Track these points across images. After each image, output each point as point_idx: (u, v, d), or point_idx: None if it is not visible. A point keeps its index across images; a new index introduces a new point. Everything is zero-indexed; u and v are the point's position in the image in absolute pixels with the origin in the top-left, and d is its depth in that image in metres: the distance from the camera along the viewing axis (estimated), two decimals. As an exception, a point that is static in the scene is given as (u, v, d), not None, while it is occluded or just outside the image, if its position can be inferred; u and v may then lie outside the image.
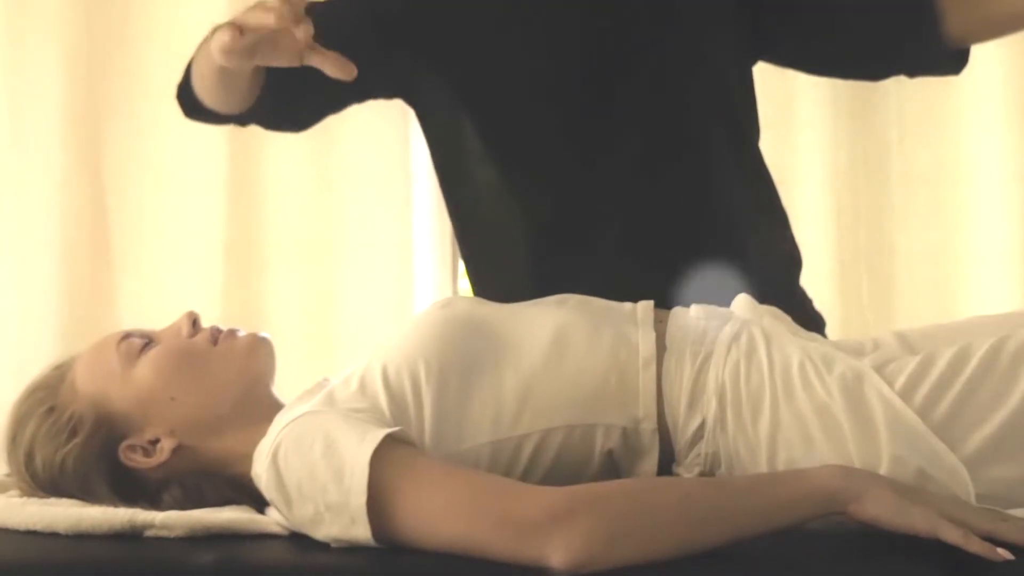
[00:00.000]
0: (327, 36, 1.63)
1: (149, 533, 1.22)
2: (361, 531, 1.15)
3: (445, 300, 1.46)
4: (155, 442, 1.34)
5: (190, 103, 1.62)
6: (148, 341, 1.39)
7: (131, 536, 1.22)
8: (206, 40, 1.44)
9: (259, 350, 1.42)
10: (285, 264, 2.49)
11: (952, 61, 1.66)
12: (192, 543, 1.20)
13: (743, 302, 1.41)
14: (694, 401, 1.29)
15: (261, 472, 1.23)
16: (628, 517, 1.11)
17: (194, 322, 1.41)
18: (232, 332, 1.41)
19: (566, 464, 1.30)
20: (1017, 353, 1.24)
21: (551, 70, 1.64)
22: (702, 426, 1.29)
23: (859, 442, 1.23)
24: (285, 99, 1.58)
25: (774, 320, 1.38)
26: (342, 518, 1.16)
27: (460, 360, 1.31)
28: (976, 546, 1.08)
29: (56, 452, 1.33)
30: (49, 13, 2.45)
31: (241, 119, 1.64)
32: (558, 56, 1.64)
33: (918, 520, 1.10)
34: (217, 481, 1.33)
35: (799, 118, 2.42)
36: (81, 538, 1.22)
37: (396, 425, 1.23)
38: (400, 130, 2.46)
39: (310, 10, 1.60)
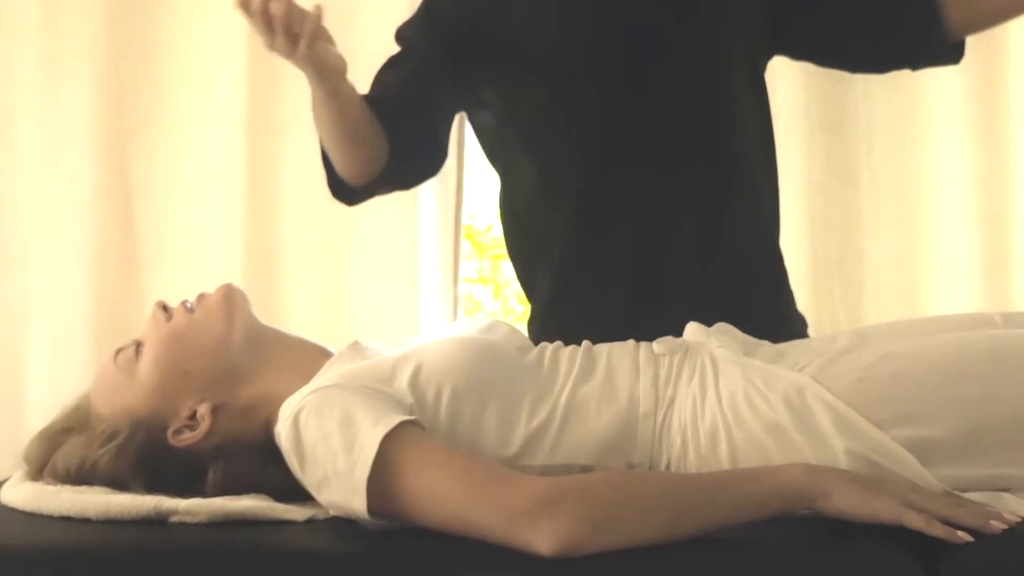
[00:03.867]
0: (406, 57, 1.67)
1: (174, 519, 1.22)
2: (358, 502, 1.15)
3: (489, 324, 1.45)
4: (193, 416, 1.33)
5: (345, 193, 1.64)
6: (138, 344, 1.38)
7: (157, 522, 1.22)
8: (314, 108, 1.50)
9: (232, 296, 1.41)
10: (300, 269, 2.48)
11: (952, 52, 1.66)
12: (213, 528, 1.20)
13: (694, 329, 1.41)
14: (661, 442, 1.29)
15: (282, 430, 1.24)
16: (611, 507, 1.11)
17: (164, 308, 1.40)
18: (201, 295, 1.41)
19: None
20: (962, 358, 1.23)
21: (585, 60, 1.64)
22: (668, 465, 1.28)
23: (812, 448, 1.22)
24: (416, 141, 1.62)
25: (723, 337, 1.38)
26: (345, 487, 1.16)
27: (482, 387, 1.30)
28: (938, 530, 1.09)
29: (97, 459, 1.31)
30: (80, 35, 2.44)
31: (390, 178, 1.63)
32: (593, 47, 1.64)
33: (882, 510, 1.11)
34: (258, 442, 1.31)
35: (776, 135, 2.42)
36: (111, 524, 1.22)
37: (411, 415, 1.22)
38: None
39: (399, 36, 1.69)
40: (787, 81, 2.42)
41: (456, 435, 1.28)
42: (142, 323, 1.43)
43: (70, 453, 1.33)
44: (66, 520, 1.23)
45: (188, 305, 1.40)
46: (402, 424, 1.18)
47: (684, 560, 1.11)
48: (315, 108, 1.52)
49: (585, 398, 1.31)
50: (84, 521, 1.23)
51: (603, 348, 1.39)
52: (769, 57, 1.77)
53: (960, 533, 1.08)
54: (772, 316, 1.66)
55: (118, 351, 1.39)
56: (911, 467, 1.20)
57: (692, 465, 1.27)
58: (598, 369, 1.35)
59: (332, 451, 1.18)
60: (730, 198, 1.66)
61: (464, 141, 2.47)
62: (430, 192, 2.48)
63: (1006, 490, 1.21)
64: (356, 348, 1.39)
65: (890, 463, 1.20)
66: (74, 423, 1.38)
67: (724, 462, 1.26)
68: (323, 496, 1.20)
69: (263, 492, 1.28)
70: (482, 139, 1.78)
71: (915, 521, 1.10)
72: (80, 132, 2.45)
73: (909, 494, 1.13)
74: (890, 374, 1.25)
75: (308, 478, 1.21)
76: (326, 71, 1.43)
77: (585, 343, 1.40)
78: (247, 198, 2.46)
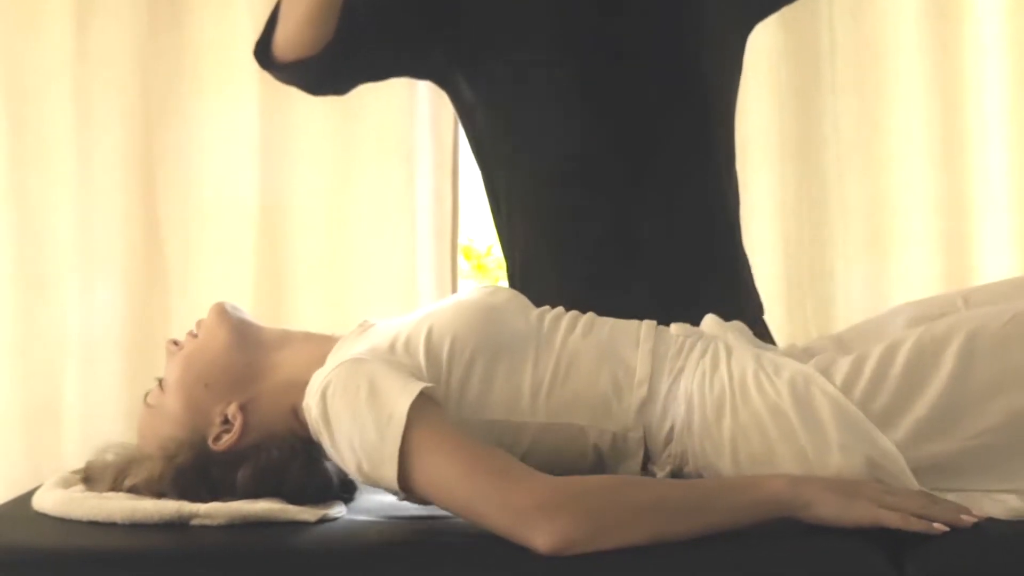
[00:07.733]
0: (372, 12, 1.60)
1: (194, 522, 1.21)
2: (388, 472, 1.16)
3: (492, 288, 1.44)
4: (226, 420, 1.32)
5: (265, 58, 1.59)
6: (160, 381, 1.38)
7: (179, 525, 1.21)
8: None
9: (222, 308, 1.40)
10: (306, 285, 2.48)
11: None
12: (232, 530, 1.20)
13: (711, 321, 1.40)
14: (666, 408, 1.28)
15: (312, 405, 1.23)
16: (607, 513, 1.10)
17: (175, 342, 1.40)
18: (199, 321, 1.41)
19: (562, 454, 1.29)
20: (935, 344, 1.21)
21: (562, 39, 1.62)
22: (672, 429, 1.27)
23: (809, 435, 1.21)
24: (345, 49, 1.56)
25: (736, 334, 1.36)
26: (374, 458, 1.17)
27: (492, 345, 1.30)
28: (915, 525, 1.09)
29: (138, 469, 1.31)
30: (110, 75, 2.45)
31: (307, 70, 1.58)
32: (567, 26, 1.62)
33: (860, 515, 1.11)
34: (288, 437, 1.30)
35: (751, 161, 2.42)
36: (135, 527, 1.21)
37: (429, 382, 1.22)
38: (406, 170, 2.47)
39: None
40: (761, 110, 2.43)
41: (469, 393, 1.27)
42: (170, 337, 1.43)
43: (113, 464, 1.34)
44: (93, 524, 1.23)
45: (193, 332, 1.40)
46: (425, 400, 1.17)
47: (655, 553, 1.10)
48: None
49: (583, 354, 1.31)
50: (110, 525, 1.22)
51: (607, 320, 1.38)
52: (748, 22, 1.74)
53: (936, 524, 1.09)
54: (729, 297, 1.64)
55: (147, 395, 1.39)
56: (898, 464, 1.18)
57: (696, 433, 1.26)
58: (600, 333, 1.34)
59: (360, 425, 1.18)
60: (699, 176, 1.65)
61: (458, 165, 2.48)
62: (427, 215, 2.49)
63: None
64: (364, 326, 1.38)
65: (880, 457, 1.18)
66: (125, 462, 1.35)
67: (725, 440, 1.24)
68: (351, 466, 1.20)
69: (282, 492, 1.27)
70: (463, 122, 1.75)
71: (892, 520, 1.09)
72: (111, 163, 2.45)
73: (885, 496, 1.12)
74: (875, 362, 1.22)
75: (337, 449, 1.21)
76: None
77: (590, 313, 1.39)
78: (259, 223, 2.47)
